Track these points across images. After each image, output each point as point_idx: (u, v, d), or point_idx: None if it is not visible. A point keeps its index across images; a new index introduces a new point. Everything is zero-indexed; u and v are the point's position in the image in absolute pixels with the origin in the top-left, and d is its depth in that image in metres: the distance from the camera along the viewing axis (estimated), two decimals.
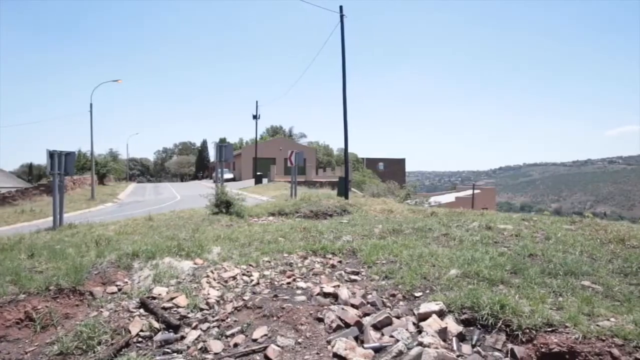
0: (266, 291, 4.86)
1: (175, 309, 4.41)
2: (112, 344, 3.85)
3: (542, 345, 3.43)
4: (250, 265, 5.74)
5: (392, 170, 61.34)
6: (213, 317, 4.30)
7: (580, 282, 4.66)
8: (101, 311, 4.44)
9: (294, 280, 5.24)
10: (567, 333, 3.44)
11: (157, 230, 8.49)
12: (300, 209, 12.20)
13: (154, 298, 4.65)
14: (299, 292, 4.84)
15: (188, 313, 4.34)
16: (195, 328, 4.10)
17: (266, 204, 14.20)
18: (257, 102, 42.88)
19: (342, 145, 19.92)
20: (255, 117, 42.77)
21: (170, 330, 4.09)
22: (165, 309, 4.40)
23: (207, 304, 4.52)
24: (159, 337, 3.99)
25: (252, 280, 5.16)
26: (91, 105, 27.08)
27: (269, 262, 5.92)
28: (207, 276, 5.26)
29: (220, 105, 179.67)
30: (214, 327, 4.13)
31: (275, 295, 4.69)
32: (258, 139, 48.38)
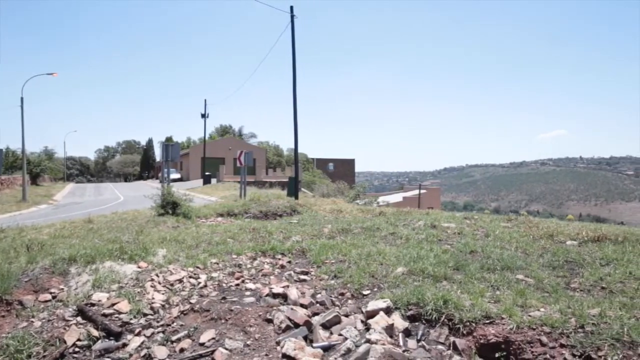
0: (214, 293, 4.76)
1: (116, 315, 4.20)
2: (44, 356, 3.60)
3: (481, 337, 3.62)
4: (198, 267, 5.59)
5: (342, 171, 62.14)
6: (158, 322, 4.14)
7: (515, 276, 4.97)
8: (32, 321, 4.11)
9: (243, 281, 5.17)
10: (503, 324, 3.65)
11: (97, 233, 8.05)
12: (249, 209, 12.06)
13: (93, 305, 4.40)
14: (247, 293, 4.78)
15: (131, 319, 4.15)
16: (138, 334, 3.93)
17: (215, 205, 13.90)
18: (205, 100, 41.81)
19: (293, 146, 19.96)
20: (203, 115, 41.73)
21: (111, 338, 3.89)
22: (105, 315, 4.17)
23: (152, 308, 4.34)
24: (98, 345, 3.78)
25: (199, 283, 5.03)
26: (22, 99, 25.07)
27: (217, 263, 5.80)
28: (152, 280, 5.06)
29: (167, 104, 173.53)
30: (158, 332, 3.98)
31: (224, 298, 4.60)
32: (207, 138, 47.23)
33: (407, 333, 3.89)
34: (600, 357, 3.04)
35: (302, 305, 4.38)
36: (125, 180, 69.89)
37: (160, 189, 11.73)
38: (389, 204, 23.73)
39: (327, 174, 56.76)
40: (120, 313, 4.22)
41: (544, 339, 3.36)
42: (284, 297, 4.61)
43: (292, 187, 18.40)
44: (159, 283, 4.98)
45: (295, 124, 18.66)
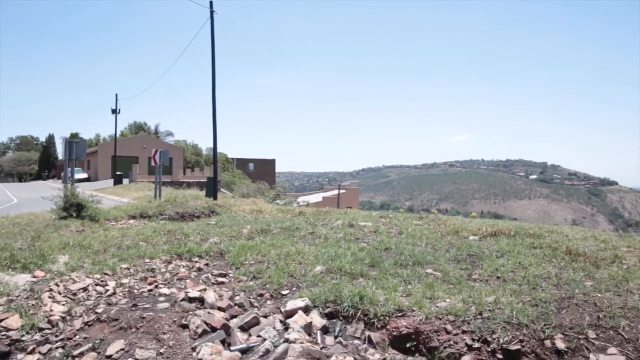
0: (124, 301, 4.46)
1: (4, 332, 3.73)
2: None
3: (393, 329, 3.82)
4: (106, 273, 5.19)
5: (262, 171, 61.62)
6: (57, 336, 3.76)
7: (425, 270, 5.31)
8: None
9: (157, 286, 4.91)
10: (414, 316, 3.89)
11: None
12: (165, 210, 11.48)
13: None
14: (161, 299, 4.55)
15: (22, 336, 3.71)
16: (32, 352, 3.53)
17: (126, 206, 13.00)
18: (116, 95, 38.87)
19: (212, 145, 19.36)
20: (114, 111, 38.81)
21: None
22: None
23: (50, 322, 3.94)
24: None
25: (107, 291, 4.67)
26: None
27: (128, 269, 5.44)
28: (51, 290, 4.59)
29: (72, 97, 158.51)
30: (57, 348, 3.62)
31: (135, 305, 4.33)
32: (118, 135, 44.01)
33: (325, 330, 3.98)
34: (494, 339, 3.36)
35: (219, 309, 4.27)
36: (20, 180, 62.61)
37: (62, 189, 10.67)
38: (309, 204, 24.06)
39: (247, 174, 55.91)
40: (9, 330, 3.75)
41: (449, 327, 3.64)
42: (200, 301, 4.45)
43: (211, 188, 17.89)
44: (59, 293, 4.54)
45: (214, 122, 18.13)
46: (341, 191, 47.16)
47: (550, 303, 3.79)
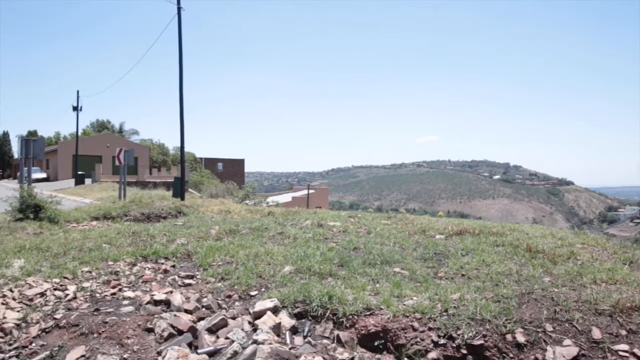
0: (85, 306, 4.30)
1: None
2: None
3: (362, 328, 3.86)
4: (66, 277, 4.99)
5: (231, 171, 60.85)
6: (10, 345, 3.57)
7: (393, 269, 5.40)
8: None
9: (120, 290, 4.76)
10: (382, 314, 3.94)
11: None
12: (129, 211, 11.14)
13: None
14: (125, 302, 4.41)
15: None
16: None
17: (89, 207, 12.54)
18: (78, 92, 37.47)
19: (179, 144, 18.94)
20: (75, 108, 37.38)
21: None
22: None
23: (2, 330, 3.74)
24: None
25: (67, 295, 4.49)
26: None
27: (90, 272, 5.25)
28: (4, 296, 4.36)
29: (29, 93, 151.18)
30: (11, 357, 3.43)
31: (97, 309, 4.18)
32: (80, 133, 42.38)
33: (294, 330, 3.96)
34: (459, 335, 3.46)
35: (186, 311, 4.19)
36: None
37: (18, 190, 10.17)
38: (278, 204, 23.94)
39: (216, 174, 55.02)
40: None
41: (416, 324, 3.71)
42: (166, 303, 4.35)
43: (178, 188, 17.54)
44: (14, 299, 4.32)
45: (182, 120, 17.77)
46: (310, 191, 47.21)
47: (512, 299, 3.93)
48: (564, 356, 3.11)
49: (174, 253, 6.23)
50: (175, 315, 3.95)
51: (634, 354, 3.03)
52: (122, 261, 5.76)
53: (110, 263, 5.67)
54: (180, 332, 3.76)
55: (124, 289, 4.81)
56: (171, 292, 4.65)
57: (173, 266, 5.75)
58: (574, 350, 3.14)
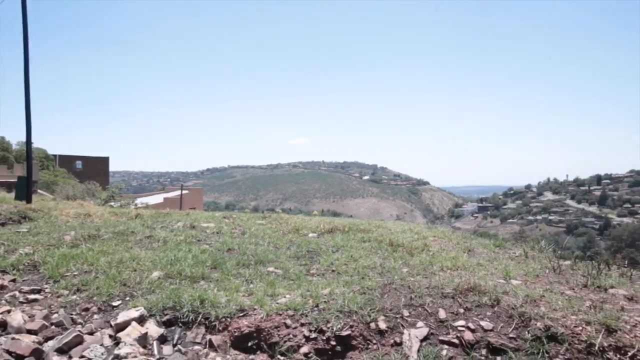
0: None
1: None
2: None
3: (235, 330, 3.81)
4: None
5: (93, 170, 54.41)
6: None
7: (267, 268, 5.44)
8: None
9: None
10: (255, 314, 3.94)
11: None
12: None
13: None
14: None
15: None
16: None
17: None
18: None
19: (24, 139, 16.25)
20: None
21: None
22: None
23: None
24: None
25: None
26: None
27: None
28: None
29: None
30: None
31: None
32: None
33: (162, 340, 3.73)
34: (329, 328, 3.64)
35: (30, 332, 3.64)
36: None
37: None
38: (148, 206, 22.23)
39: (74, 174, 48.65)
40: None
41: (289, 321, 3.80)
42: (3, 325, 3.71)
43: (23, 189, 15.05)
44: None
45: (28, 110, 15.26)
46: (184, 192, 44.85)
47: (375, 290, 4.28)
48: (417, 337, 3.51)
49: (15, 265, 5.34)
50: (13, 339, 3.39)
51: (468, 328, 3.57)
52: None
53: None
54: (21, 358, 3.24)
55: None
56: (9, 311, 3.97)
57: (13, 280, 4.92)
58: (425, 331, 3.57)
